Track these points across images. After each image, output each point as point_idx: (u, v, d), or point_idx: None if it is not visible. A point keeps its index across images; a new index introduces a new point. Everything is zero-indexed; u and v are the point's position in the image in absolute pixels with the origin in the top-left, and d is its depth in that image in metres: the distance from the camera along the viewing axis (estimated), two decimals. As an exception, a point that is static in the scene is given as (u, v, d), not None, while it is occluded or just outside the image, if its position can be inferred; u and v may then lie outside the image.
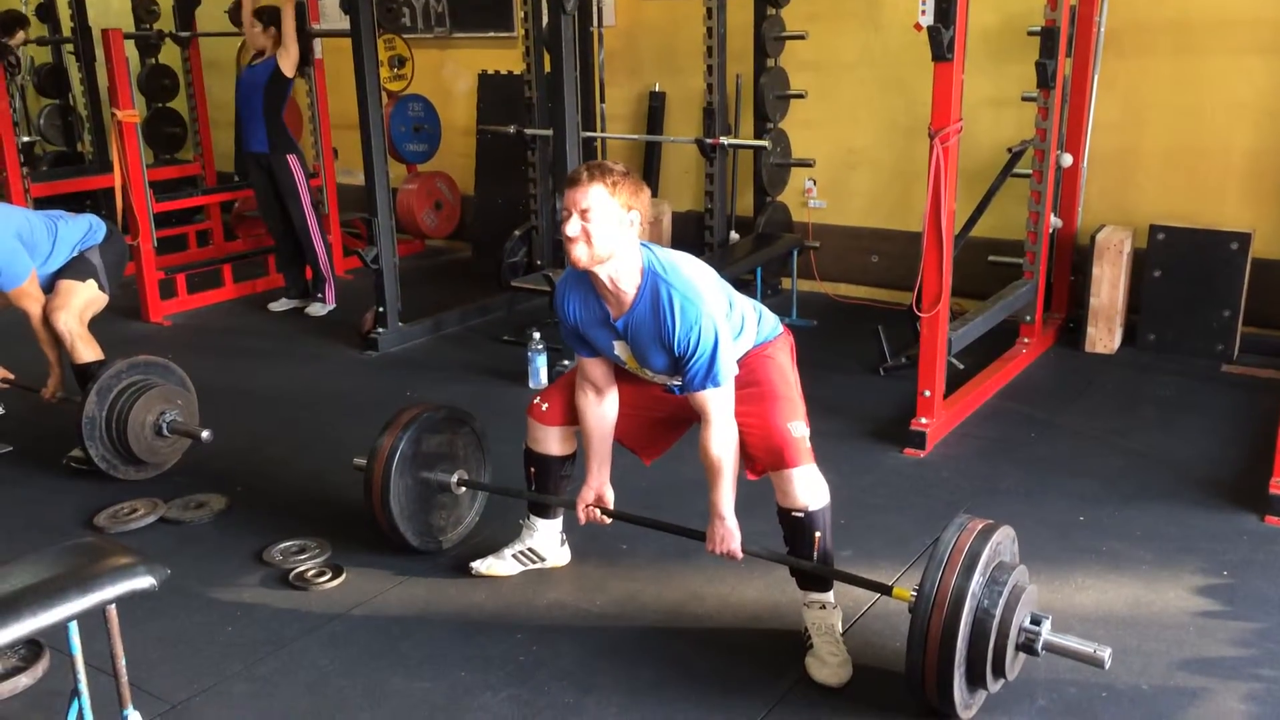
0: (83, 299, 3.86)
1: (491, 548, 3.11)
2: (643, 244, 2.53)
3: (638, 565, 3.12)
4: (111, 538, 3.29)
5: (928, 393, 3.88)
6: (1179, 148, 4.96)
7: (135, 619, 2.72)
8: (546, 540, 3.06)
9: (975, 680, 2.27)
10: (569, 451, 2.95)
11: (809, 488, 2.60)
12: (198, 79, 7.38)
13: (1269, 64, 4.69)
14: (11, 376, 4.07)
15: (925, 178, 3.70)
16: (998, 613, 2.22)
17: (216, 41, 7.45)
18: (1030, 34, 4.61)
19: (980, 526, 2.30)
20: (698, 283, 2.50)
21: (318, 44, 6.45)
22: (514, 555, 3.06)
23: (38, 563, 1.98)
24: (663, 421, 2.87)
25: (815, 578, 2.67)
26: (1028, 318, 4.77)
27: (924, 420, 3.87)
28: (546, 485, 2.99)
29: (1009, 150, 4.74)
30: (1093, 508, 3.40)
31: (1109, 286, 4.79)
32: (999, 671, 2.27)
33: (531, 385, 4.58)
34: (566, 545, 3.12)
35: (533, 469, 2.98)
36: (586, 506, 2.82)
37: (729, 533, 2.61)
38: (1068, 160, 4.88)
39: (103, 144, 7.17)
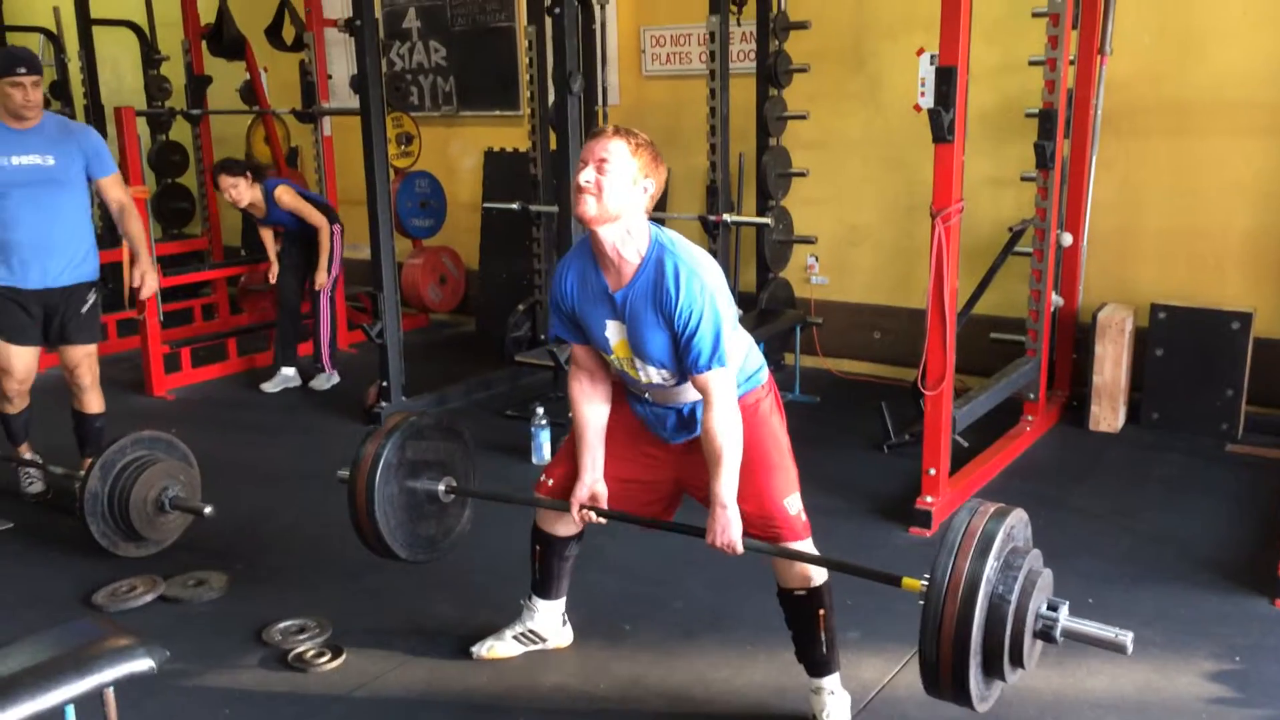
0: (95, 356, 4.14)
1: (492, 629, 3.07)
2: (651, 223, 2.48)
3: (641, 647, 3.08)
4: (110, 617, 3.26)
5: (933, 471, 3.86)
6: (1178, 228, 5.00)
7: (132, 700, 2.67)
8: (548, 621, 3.02)
9: (992, 670, 2.17)
10: (576, 530, 2.90)
11: (807, 566, 2.56)
12: (208, 155, 7.48)
13: (1265, 146, 4.75)
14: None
15: (927, 255, 3.73)
16: (1014, 597, 2.12)
17: (227, 119, 7.57)
18: (1028, 116, 4.68)
19: (993, 509, 2.22)
20: (704, 261, 2.44)
21: (327, 121, 6.56)
22: (515, 637, 3.02)
23: (36, 644, 1.97)
24: (659, 495, 2.76)
25: (820, 663, 2.63)
26: (1031, 395, 4.77)
27: (929, 499, 3.85)
28: (551, 567, 2.94)
29: (1010, 229, 4.79)
30: (1101, 589, 3.36)
31: (1112, 365, 4.80)
32: (1017, 660, 2.17)
33: (534, 461, 4.57)
34: (569, 626, 3.08)
35: (538, 547, 2.94)
36: (581, 508, 2.69)
37: (730, 522, 2.45)
38: (1068, 239, 4.92)
39: (111, 219, 7.24)
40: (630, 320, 2.47)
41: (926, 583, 2.16)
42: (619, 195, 2.38)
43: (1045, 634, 2.20)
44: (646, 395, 2.62)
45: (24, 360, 3.98)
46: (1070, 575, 3.46)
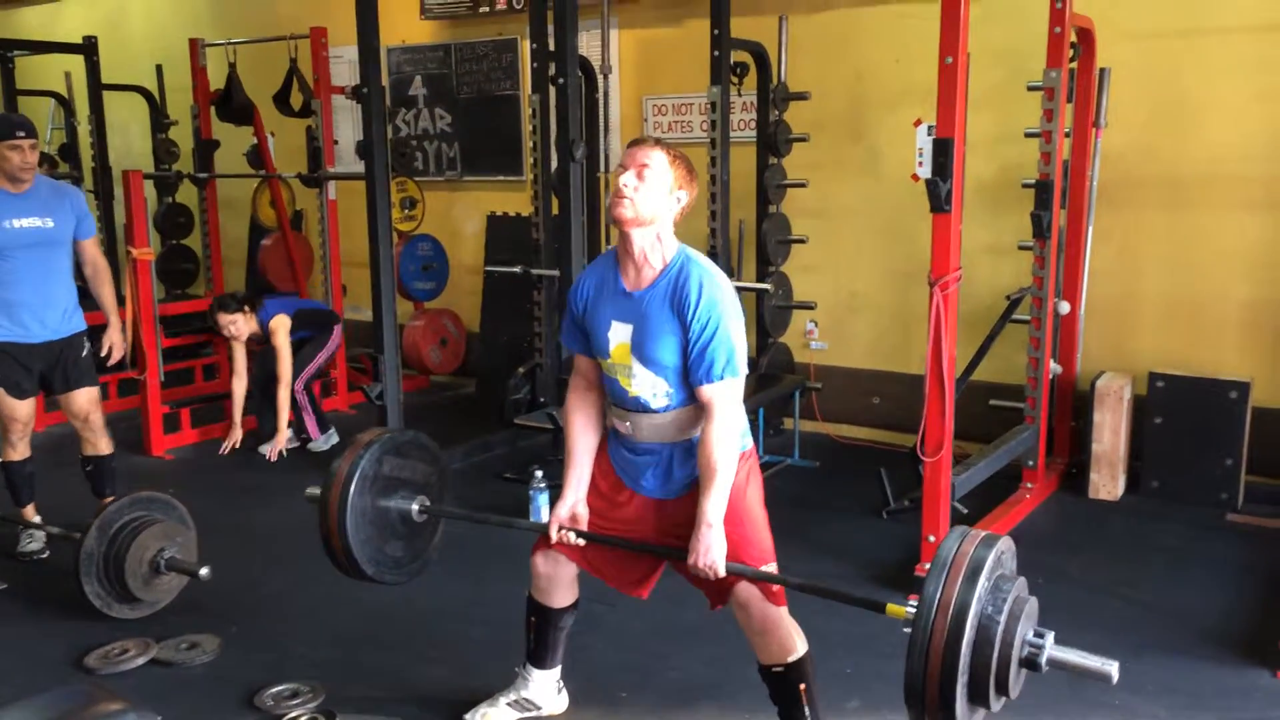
0: (99, 399, 4.32)
1: (486, 695, 3.03)
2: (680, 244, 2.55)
3: (638, 714, 3.04)
4: (102, 680, 3.22)
5: (932, 538, 3.84)
6: (1175, 297, 5.04)
7: (120, 766, 2.64)
8: (543, 689, 2.98)
9: (977, 696, 2.14)
10: (572, 601, 2.88)
11: (785, 638, 2.56)
12: (213, 217, 7.55)
13: (1260, 219, 4.80)
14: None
15: (926, 321, 3.75)
16: (1002, 619, 2.11)
17: (233, 182, 7.66)
18: (1025, 186, 4.73)
19: (981, 535, 2.23)
20: (727, 283, 2.51)
21: (332, 185, 6.64)
22: (509, 704, 2.98)
23: (27, 709, 1.94)
24: (639, 557, 2.71)
25: None
26: (1030, 463, 4.76)
27: (928, 566, 3.82)
28: (546, 637, 2.91)
29: (1007, 297, 4.83)
30: (1102, 660, 3.32)
31: (1110, 433, 4.80)
32: (1002, 687, 2.14)
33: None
34: (564, 693, 3.05)
35: (533, 618, 2.91)
36: (560, 528, 2.66)
37: (714, 543, 2.42)
38: (1065, 308, 4.95)
39: (116, 280, 7.28)
40: (641, 320, 2.50)
41: (912, 609, 2.16)
42: (655, 201, 2.46)
43: (1031, 661, 2.18)
44: (627, 424, 2.59)
45: (27, 410, 4.15)
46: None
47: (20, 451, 4.21)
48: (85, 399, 4.23)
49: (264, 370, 5.76)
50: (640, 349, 2.51)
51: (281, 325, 5.59)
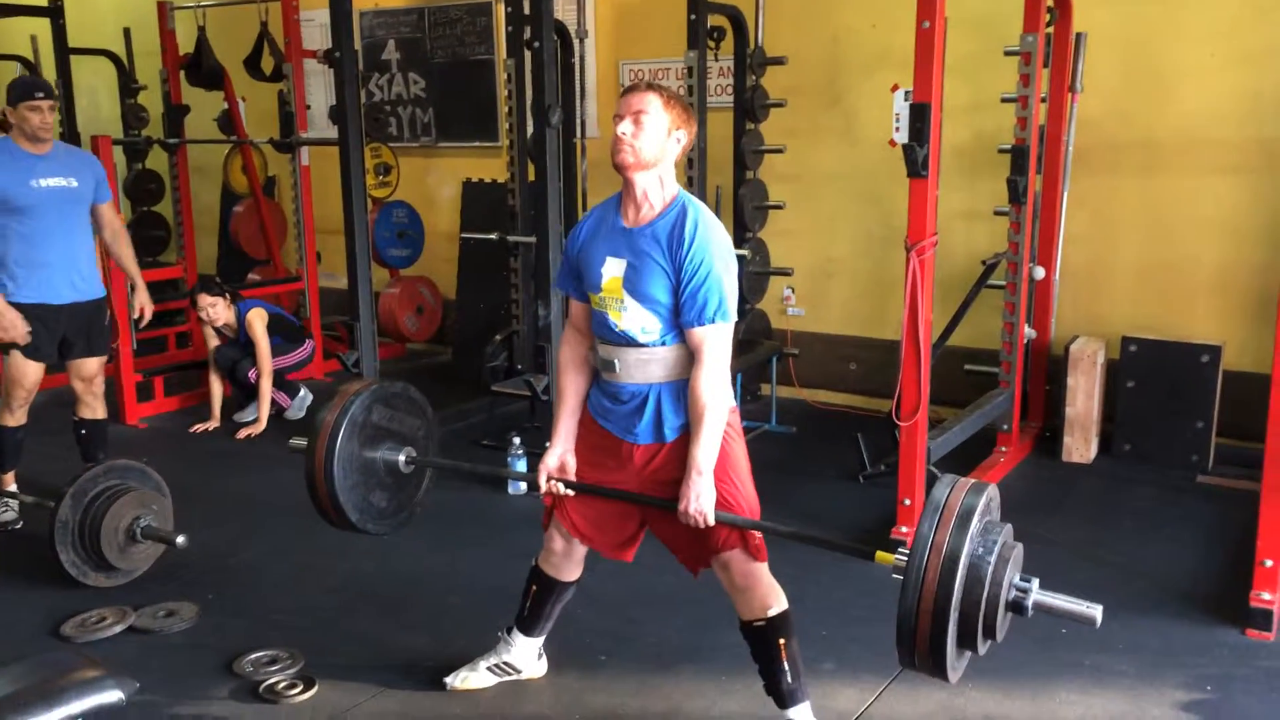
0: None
1: (465, 659, 3.04)
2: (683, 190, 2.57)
3: (617, 677, 3.07)
4: (79, 647, 3.22)
5: (908, 501, 3.88)
6: (1149, 262, 5.08)
7: (99, 733, 2.64)
8: (524, 654, 3.00)
9: (965, 638, 2.18)
10: (578, 575, 2.89)
11: (766, 593, 2.58)
12: (184, 183, 7.45)
13: (1234, 183, 4.84)
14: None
15: (902, 287, 3.77)
16: (992, 561, 2.15)
17: (204, 148, 7.57)
18: (1001, 151, 4.75)
19: (972, 482, 2.26)
20: (723, 231, 2.52)
21: (305, 151, 6.57)
22: (489, 668, 3.00)
23: (3, 676, 1.94)
24: (626, 511, 2.69)
25: (787, 694, 2.61)
26: (1005, 426, 4.81)
27: (904, 529, 3.87)
28: (544, 607, 2.91)
29: (983, 263, 4.85)
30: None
31: (1084, 397, 4.85)
32: (989, 630, 2.19)
33: (510, 491, 4.56)
34: (544, 658, 3.06)
35: (535, 587, 2.91)
36: (549, 479, 2.66)
37: (704, 490, 2.44)
38: (1040, 273, 4.98)
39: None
40: (636, 255, 2.50)
41: (901, 555, 2.19)
42: (654, 145, 2.48)
43: (1017, 605, 2.22)
44: (613, 362, 2.56)
45: (37, 374, 4.16)
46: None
47: (19, 418, 4.21)
48: (97, 364, 4.29)
49: (236, 351, 5.69)
50: (633, 284, 2.50)
51: (259, 317, 5.54)
